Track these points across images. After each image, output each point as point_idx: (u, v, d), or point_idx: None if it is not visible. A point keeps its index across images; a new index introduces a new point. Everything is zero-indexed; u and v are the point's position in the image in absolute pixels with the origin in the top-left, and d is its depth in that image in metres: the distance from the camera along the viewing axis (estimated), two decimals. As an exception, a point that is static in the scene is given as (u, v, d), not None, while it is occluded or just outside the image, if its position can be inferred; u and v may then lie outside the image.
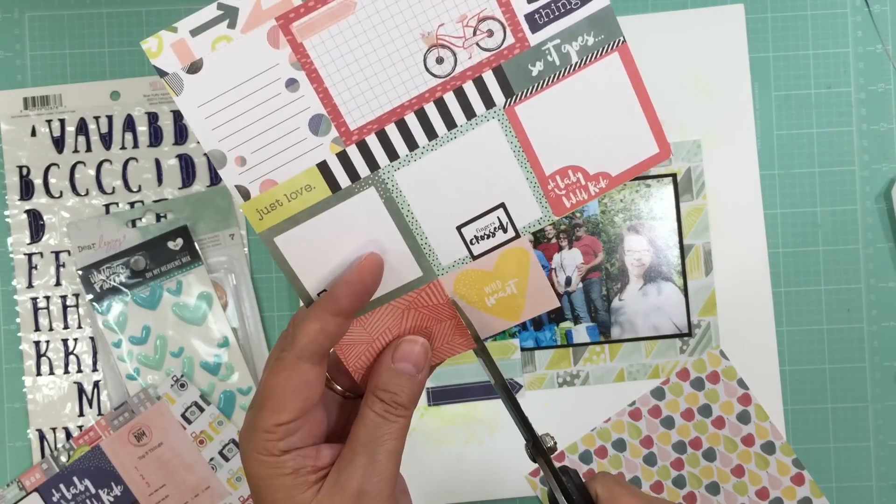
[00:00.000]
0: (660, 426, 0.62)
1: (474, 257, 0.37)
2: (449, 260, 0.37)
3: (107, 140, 0.64)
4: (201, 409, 0.62)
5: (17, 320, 0.63)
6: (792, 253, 0.63)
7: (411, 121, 0.36)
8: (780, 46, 0.63)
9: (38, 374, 0.62)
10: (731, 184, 0.62)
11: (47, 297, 0.63)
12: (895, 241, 0.63)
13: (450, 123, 0.36)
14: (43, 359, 0.62)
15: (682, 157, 0.62)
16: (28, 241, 0.63)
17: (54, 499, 0.61)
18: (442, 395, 0.62)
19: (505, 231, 0.37)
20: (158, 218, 0.63)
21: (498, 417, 0.62)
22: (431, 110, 0.36)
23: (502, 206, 0.37)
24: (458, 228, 0.37)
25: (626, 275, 0.62)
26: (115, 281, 0.62)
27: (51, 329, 0.63)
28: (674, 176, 0.62)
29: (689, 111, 0.63)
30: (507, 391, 0.37)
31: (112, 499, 0.61)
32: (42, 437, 0.62)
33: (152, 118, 0.64)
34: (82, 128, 0.63)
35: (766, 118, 0.63)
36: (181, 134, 0.64)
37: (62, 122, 0.63)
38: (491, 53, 0.35)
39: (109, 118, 0.64)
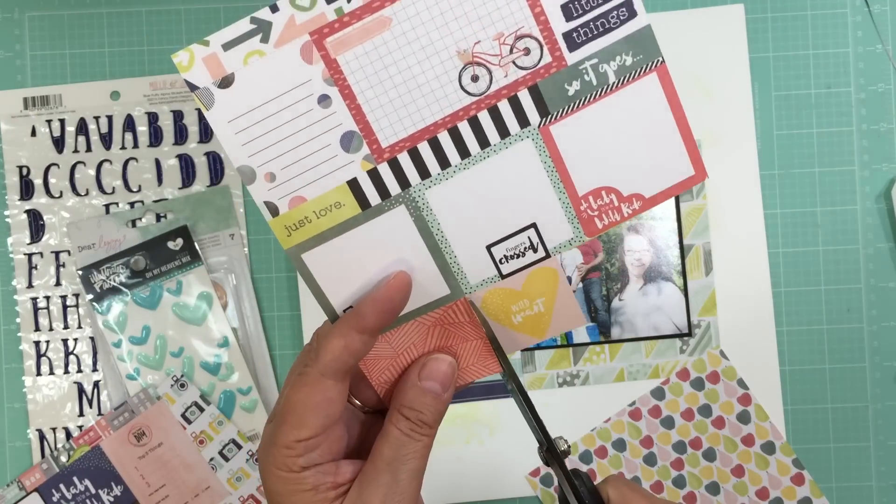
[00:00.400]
0: (660, 426, 0.62)
1: (503, 276, 0.37)
2: (477, 279, 0.37)
3: (107, 140, 0.64)
4: (201, 409, 0.62)
5: (17, 320, 0.63)
6: (792, 253, 0.63)
7: (444, 139, 0.35)
8: (780, 46, 0.63)
9: (38, 374, 0.62)
10: (731, 184, 0.62)
11: (47, 297, 0.63)
12: (895, 241, 0.63)
13: (483, 142, 0.35)
14: (43, 359, 0.63)
15: (682, 157, 0.62)
16: (28, 241, 0.63)
17: (54, 499, 0.61)
18: (442, 395, 0.62)
19: (535, 251, 0.37)
20: (158, 218, 0.63)
21: (498, 417, 0.62)
22: (465, 129, 0.35)
23: (533, 226, 0.36)
24: (488, 248, 0.36)
25: (626, 275, 0.62)
26: (115, 281, 0.62)
27: (51, 329, 0.63)
28: (674, 176, 0.62)
29: (690, 111, 0.62)
30: (523, 394, 0.37)
31: (112, 499, 0.61)
32: (42, 437, 0.62)
33: (152, 118, 0.64)
34: (82, 128, 0.63)
35: (766, 118, 0.63)
36: (181, 134, 0.64)
37: (62, 122, 0.63)
38: (527, 72, 0.35)
39: (109, 118, 0.64)
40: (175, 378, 0.62)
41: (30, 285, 0.63)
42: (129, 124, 0.64)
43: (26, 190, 0.63)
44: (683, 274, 0.62)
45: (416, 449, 0.35)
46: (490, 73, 0.35)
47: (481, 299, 0.37)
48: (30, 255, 0.63)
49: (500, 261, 0.37)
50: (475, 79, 0.35)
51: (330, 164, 0.35)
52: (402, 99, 0.35)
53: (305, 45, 0.34)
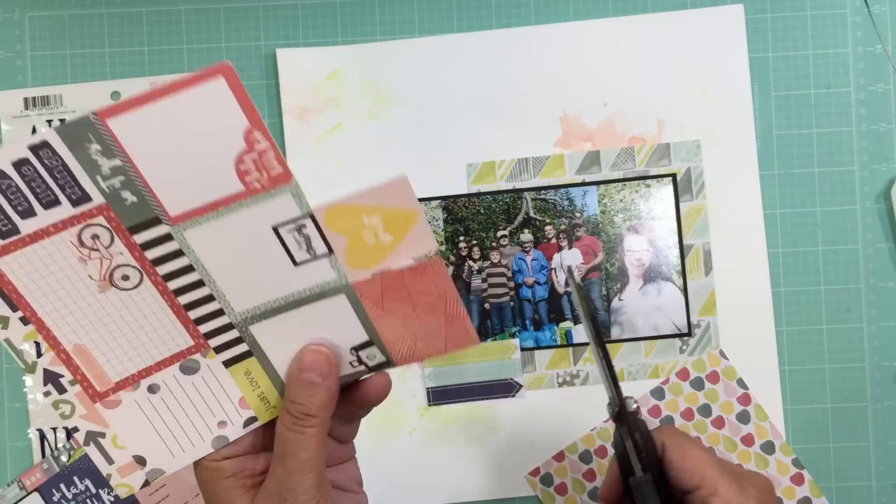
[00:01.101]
0: (660, 426, 0.62)
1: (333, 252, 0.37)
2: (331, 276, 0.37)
3: (107, 140, 0.64)
4: (201, 409, 0.62)
5: (18, 320, 0.63)
6: (792, 253, 0.63)
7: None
8: (779, 46, 0.63)
9: (39, 373, 0.62)
10: (731, 184, 0.62)
11: (48, 297, 0.63)
12: (895, 241, 0.63)
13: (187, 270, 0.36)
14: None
15: (682, 157, 0.62)
16: (28, 241, 0.63)
17: (55, 498, 0.61)
18: (442, 395, 0.62)
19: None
20: None
21: (498, 417, 0.62)
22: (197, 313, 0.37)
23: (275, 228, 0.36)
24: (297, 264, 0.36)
25: (626, 275, 0.62)
26: (115, 281, 0.62)
27: (51, 329, 0.63)
28: (673, 176, 0.62)
29: (689, 111, 0.63)
30: (603, 349, 0.38)
31: (112, 499, 0.61)
32: (42, 437, 0.62)
33: (152, 118, 0.64)
34: (82, 128, 0.63)
35: (766, 118, 0.63)
36: (181, 134, 0.64)
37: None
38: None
39: (110, 118, 0.64)
40: (175, 378, 0.62)
41: (30, 285, 0.63)
42: (130, 124, 0.64)
43: (27, 190, 0.63)
44: (683, 274, 0.62)
45: (301, 441, 0.36)
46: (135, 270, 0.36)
47: (324, 216, 0.36)
48: (30, 255, 0.63)
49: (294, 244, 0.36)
50: (125, 277, 0.36)
51: None
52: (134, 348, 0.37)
53: None
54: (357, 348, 0.38)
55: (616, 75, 0.63)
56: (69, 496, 0.61)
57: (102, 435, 0.38)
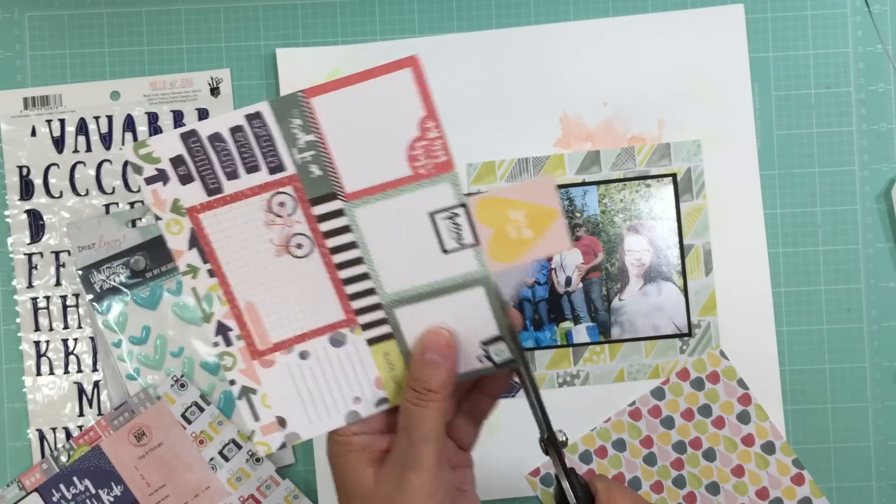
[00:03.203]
0: (660, 426, 0.62)
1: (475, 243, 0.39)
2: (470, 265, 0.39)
3: (107, 140, 0.64)
4: (201, 409, 0.62)
5: (17, 320, 0.63)
6: (792, 253, 0.63)
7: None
8: (780, 46, 0.63)
9: (38, 374, 0.62)
10: (731, 184, 0.62)
11: (47, 297, 0.63)
12: (895, 241, 0.63)
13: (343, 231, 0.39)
14: (43, 359, 0.63)
15: (682, 157, 0.62)
16: (28, 241, 0.63)
17: (54, 499, 0.61)
18: (442, 395, 0.62)
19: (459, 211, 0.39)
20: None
21: (498, 417, 0.62)
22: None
23: (432, 215, 0.39)
24: (444, 250, 0.39)
25: (626, 275, 0.62)
26: (115, 281, 0.62)
27: (51, 329, 0.63)
28: (674, 176, 0.62)
29: (689, 111, 0.63)
30: (532, 383, 0.40)
31: (112, 499, 0.61)
32: (42, 437, 0.62)
33: (152, 118, 0.64)
34: (82, 128, 0.63)
35: (766, 118, 0.63)
36: (181, 134, 0.64)
37: (62, 122, 0.63)
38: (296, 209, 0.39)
39: (109, 118, 0.64)
40: (175, 378, 0.62)
41: (30, 285, 0.63)
42: (129, 124, 0.64)
43: (26, 190, 0.63)
44: (683, 274, 0.62)
45: (424, 414, 0.39)
46: (300, 233, 0.39)
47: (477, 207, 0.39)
48: (30, 255, 0.63)
49: (454, 234, 0.39)
50: (299, 246, 0.39)
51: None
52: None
53: None
54: (486, 342, 0.40)
55: (616, 75, 0.63)
56: (69, 496, 0.61)
57: (254, 392, 0.40)
